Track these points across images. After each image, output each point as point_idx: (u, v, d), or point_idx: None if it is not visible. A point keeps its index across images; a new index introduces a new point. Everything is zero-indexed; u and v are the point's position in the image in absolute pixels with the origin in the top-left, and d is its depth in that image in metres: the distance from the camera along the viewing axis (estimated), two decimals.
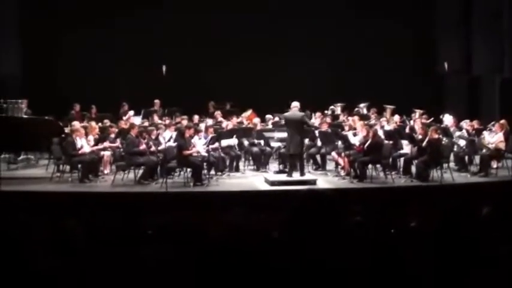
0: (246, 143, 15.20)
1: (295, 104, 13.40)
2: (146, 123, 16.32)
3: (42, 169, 14.93)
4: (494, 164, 14.29)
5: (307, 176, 13.58)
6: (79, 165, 13.40)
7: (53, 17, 19.33)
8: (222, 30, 20.28)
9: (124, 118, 16.88)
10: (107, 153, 14.22)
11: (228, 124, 15.81)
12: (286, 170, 13.55)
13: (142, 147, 13.26)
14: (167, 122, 16.53)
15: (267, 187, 12.84)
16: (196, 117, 17.04)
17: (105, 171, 14.16)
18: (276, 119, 16.75)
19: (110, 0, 19.65)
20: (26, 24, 19.45)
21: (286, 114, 13.53)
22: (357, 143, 13.73)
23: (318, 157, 15.12)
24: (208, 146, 13.56)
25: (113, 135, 14.51)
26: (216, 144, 14.15)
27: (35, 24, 19.33)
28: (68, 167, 13.75)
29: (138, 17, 19.73)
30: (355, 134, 14.17)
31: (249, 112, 17.57)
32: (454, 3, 21.15)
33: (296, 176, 13.18)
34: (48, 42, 19.38)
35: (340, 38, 20.63)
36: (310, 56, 20.41)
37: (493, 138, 14.12)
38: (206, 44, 20.05)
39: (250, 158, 15.40)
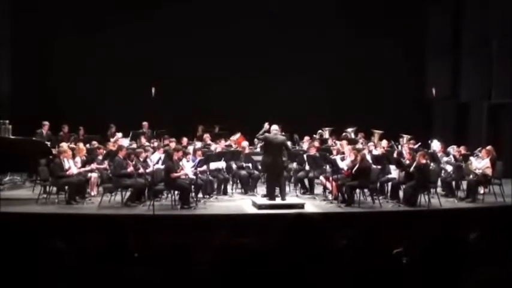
0: (234, 166, 15.20)
1: (276, 128, 13.45)
2: (134, 145, 16.30)
3: (28, 190, 14.85)
4: (481, 190, 14.34)
5: (295, 200, 13.59)
6: (66, 187, 13.32)
7: (42, 39, 19.31)
8: (211, 54, 20.33)
9: (112, 140, 16.83)
10: (94, 175, 14.17)
11: (216, 147, 15.82)
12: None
13: (130, 169, 13.23)
14: (155, 144, 16.51)
15: (255, 210, 12.82)
16: (185, 140, 17.02)
17: (92, 193, 14.10)
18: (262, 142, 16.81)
19: (100, 22, 19.66)
20: (16, 45, 19.44)
21: (268, 136, 13.47)
22: (345, 168, 13.75)
23: (306, 181, 15.13)
24: (196, 168, 13.54)
25: (100, 157, 14.48)
26: (204, 167, 14.14)
27: (25, 46, 19.32)
28: (54, 189, 13.66)
29: (127, 39, 19.78)
30: (343, 159, 14.20)
31: (238, 135, 17.59)
32: (443, 29, 21.32)
33: (278, 200, 13.16)
34: (37, 63, 19.36)
35: (329, 64, 20.71)
36: (299, 80, 20.52)
37: (480, 164, 14.19)
38: (195, 67, 20.07)
39: (238, 181, 15.39)
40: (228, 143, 16.97)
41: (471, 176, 14.31)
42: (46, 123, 17.04)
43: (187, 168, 13.55)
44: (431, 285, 3.36)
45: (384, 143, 16.89)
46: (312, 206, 13.40)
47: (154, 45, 19.97)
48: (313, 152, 15.03)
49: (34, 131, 16.67)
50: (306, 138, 17.35)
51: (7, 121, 15.89)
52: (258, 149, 16.18)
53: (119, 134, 17.41)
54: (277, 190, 13.33)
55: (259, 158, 15.08)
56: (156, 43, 20.00)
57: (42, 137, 16.43)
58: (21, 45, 19.38)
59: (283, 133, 13.93)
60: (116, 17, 19.75)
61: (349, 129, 18.95)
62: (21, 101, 18.72)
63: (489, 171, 14.05)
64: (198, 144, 16.61)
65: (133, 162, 13.43)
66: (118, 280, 3.80)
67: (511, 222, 5.00)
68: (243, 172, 15.09)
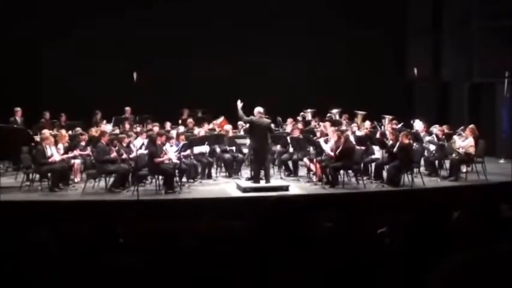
0: (218, 149, 15.18)
1: (260, 110, 13.33)
2: (117, 131, 16.22)
3: (11, 178, 14.74)
4: (463, 169, 14.45)
5: (279, 182, 13.61)
6: (49, 174, 13.25)
7: (24, 26, 19.09)
8: (193, 38, 20.23)
9: (97, 127, 16.65)
10: (77, 161, 14.10)
11: (199, 131, 15.78)
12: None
13: (113, 155, 13.18)
14: (138, 129, 16.44)
15: (239, 194, 12.81)
16: (168, 124, 16.99)
17: (76, 180, 14.02)
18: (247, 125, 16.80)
19: (81, 6, 19.48)
20: None
21: (253, 119, 13.28)
22: (329, 151, 13.71)
23: (290, 163, 15.14)
24: (180, 153, 13.51)
25: (83, 143, 14.39)
26: (188, 151, 14.12)
27: (3, 31, 19.11)
28: (37, 176, 13.60)
29: (110, 24, 19.62)
30: (326, 141, 14.19)
31: (221, 119, 17.55)
32: (424, 9, 21.37)
33: (262, 183, 13.16)
34: (19, 50, 19.12)
35: (311, 45, 20.72)
36: (282, 62, 20.50)
37: (463, 142, 14.26)
38: (178, 51, 19.98)
39: (222, 164, 15.38)
40: (211, 126, 16.92)
41: (454, 155, 14.40)
42: (18, 109, 16.71)
43: (170, 152, 13.52)
44: (415, 264, 3.38)
45: (367, 123, 16.93)
46: (296, 188, 13.41)
47: (137, 30, 19.81)
48: (296, 134, 15.04)
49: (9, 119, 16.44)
50: (289, 120, 17.35)
51: None
52: (242, 132, 16.15)
53: (104, 122, 17.32)
54: (262, 173, 13.32)
55: (243, 141, 15.08)
56: (138, 28, 19.83)
57: (17, 125, 16.24)
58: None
59: (267, 116, 13.91)
60: (99, 4, 19.59)
61: (334, 111, 18.96)
62: (2, 88, 18.50)
63: (472, 150, 14.14)
64: (181, 129, 16.55)
65: (117, 148, 13.38)
66: (103, 267, 3.79)
67: (494, 200, 5.04)
68: (227, 155, 15.06)
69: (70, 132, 15.61)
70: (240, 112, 13.72)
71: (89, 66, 19.37)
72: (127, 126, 16.99)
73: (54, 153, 13.34)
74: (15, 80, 18.85)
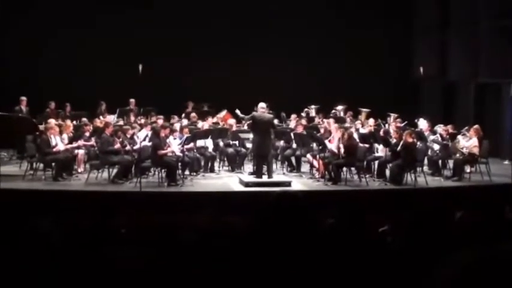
0: (221, 143, 15.18)
1: (263, 105, 13.36)
2: (121, 122, 16.24)
3: (15, 166, 14.78)
4: (467, 169, 14.40)
5: (282, 178, 13.61)
6: (53, 163, 13.28)
7: (31, 15, 19.10)
8: (193, 38, 20.21)
9: (101, 118, 16.71)
10: (81, 152, 14.13)
11: (203, 124, 15.78)
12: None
13: (117, 146, 13.20)
14: (142, 121, 16.47)
15: (242, 188, 12.82)
16: (175, 118, 17.01)
17: (79, 170, 14.07)
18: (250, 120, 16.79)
19: (81, 6, 19.50)
20: (2, 21, 19.21)
21: (255, 114, 13.34)
22: (333, 148, 13.68)
23: (293, 159, 15.13)
24: (183, 146, 13.53)
25: (87, 134, 14.43)
26: (191, 145, 14.13)
27: (11, 22, 19.13)
28: (41, 165, 13.62)
29: (115, 16, 19.58)
30: (329, 141, 14.12)
31: (224, 113, 17.54)
32: (431, 8, 21.30)
33: (265, 178, 13.15)
34: (25, 40, 19.12)
35: (317, 41, 20.69)
36: (287, 58, 20.45)
37: (467, 142, 14.22)
38: (183, 44, 19.96)
39: (225, 158, 15.38)
40: (215, 120, 16.92)
41: (458, 155, 14.36)
42: (24, 98, 16.81)
43: (174, 145, 13.53)
44: (416, 263, 3.38)
45: (371, 121, 16.89)
46: (299, 183, 13.41)
47: (142, 23, 19.78)
48: (300, 130, 15.03)
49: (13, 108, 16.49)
50: (293, 116, 17.34)
51: None
52: (245, 127, 16.15)
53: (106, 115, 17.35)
54: (264, 168, 13.32)
55: (246, 135, 15.07)
56: (144, 21, 19.80)
57: (22, 114, 16.31)
58: (7, 23, 19.15)
59: (270, 111, 13.90)
60: (99, 4, 19.60)
61: (339, 107, 18.91)
62: (7, 78, 18.53)
63: (476, 150, 14.10)
64: (185, 122, 16.56)
65: (120, 139, 13.40)
66: (104, 258, 3.79)
67: (497, 201, 5.03)
68: (230, 150, 15.07)
69: (74, 122, 15.66)
70: (241, 115, 13.83)
71: (94, 58, 19.33)
72: (131, 117, 17.02)
73: (59, 143, 13.39)
74: (17, 76, 18.82)
